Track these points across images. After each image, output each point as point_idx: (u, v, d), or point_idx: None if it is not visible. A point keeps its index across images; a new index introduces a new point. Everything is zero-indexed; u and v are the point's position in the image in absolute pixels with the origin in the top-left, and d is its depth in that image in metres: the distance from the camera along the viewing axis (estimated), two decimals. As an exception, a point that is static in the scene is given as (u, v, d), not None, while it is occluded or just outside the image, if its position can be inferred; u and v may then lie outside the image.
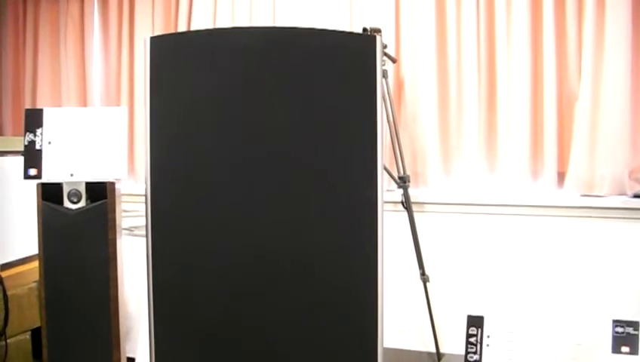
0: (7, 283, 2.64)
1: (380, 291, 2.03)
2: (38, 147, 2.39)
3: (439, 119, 3.27)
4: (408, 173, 3.16)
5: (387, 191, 3.26)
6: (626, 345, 2.46)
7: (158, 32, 3.74)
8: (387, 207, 3.13)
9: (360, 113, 2.01)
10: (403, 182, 3.10)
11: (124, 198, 2.62)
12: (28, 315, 2.78)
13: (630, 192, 2.97)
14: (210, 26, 3.63)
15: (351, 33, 2.11)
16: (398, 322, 3.34)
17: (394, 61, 3.22)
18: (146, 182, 2.04)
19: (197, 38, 2.07)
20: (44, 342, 2.39)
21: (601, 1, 2.95)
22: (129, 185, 3.76)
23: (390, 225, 3.25)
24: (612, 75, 2.94)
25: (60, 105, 4.01)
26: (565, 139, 3.09)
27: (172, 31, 3.74)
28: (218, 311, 2.04)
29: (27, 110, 2.45)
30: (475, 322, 2.59)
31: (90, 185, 2.41)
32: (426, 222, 3.29)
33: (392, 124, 3.10)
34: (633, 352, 2.43)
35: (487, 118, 3.22)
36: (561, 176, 3.09)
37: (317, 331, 2.04)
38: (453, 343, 3.21)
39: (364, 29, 2.99)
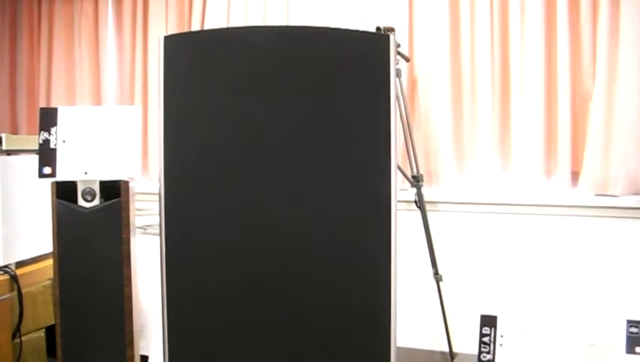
0: (21, 281, 2.65)
1: (393, 290, 2.02)
2: (52, 146, 2.40)
3: (453, 118, 3.27)
4: (422, 172, 3.15)
5: (400, 190, 3.25)
6: (640, 346, 2.44)
7: (171, 32, 3.75)
8: (400, 206, 3.13)
9: (373, 112, 2.01)
10: (416, 181, 3.09)
11: (137, 197, 2.63)
12: (42, 313, 2.80)
13: (645, 192, 2.96)
14: (224, 25, 3.63)
15: (364, 32, 2.10)
16: (412, 321, 3.34)
17: (407, 60, 3.22)
18: (159, 181, 2.05)
19: (210, 37, 2.07)
20: (59, 339, 2.40)
21: (616, 1, 2.93)
22: (143, 184, 3.78)
23: (403, 224, 3.24)
24: (626, 74, 2.92)
25: (74, 104, 4.04)
26: (579, 138, 3.08)
27: (186, 30, 3.75)
28: (231, 309, 2.05)
29: (42, 109, 2.46)
30: (489, 322, 2.59)
31: (104, 184, 2.41)
32: (439, 221, 3.29)
33: (406, 122, 3.10)
34: (648, 353, 2.42)
35: (500, 117, 3.21)
36: (575, 176, 3.08)
37: (330, 329, 2.04)
38: (467, 343, 3.21)
39: (378, 28, 2.99)
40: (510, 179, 3.22)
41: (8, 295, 2.60)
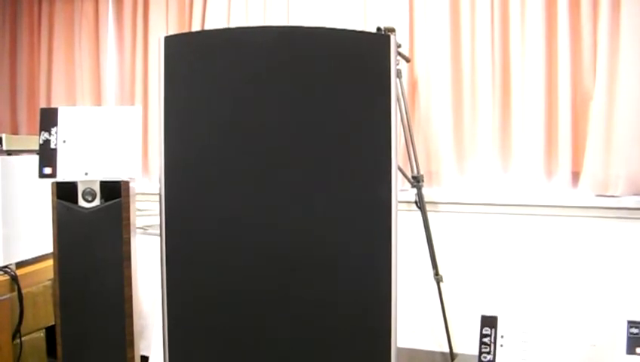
0: (22, 282, 2.65)
1: (393, 291, 2.02)
2: (53, 146, 2.40)
3: (453, 118, 3.26)
4: (422, 172, 3.15)
5: (401, 190, 3.25)
6: (641, 346, 2.44)
7: (172, 32, 3.75)
8: (401, 206, 3.12)
9: (374, 112, 2.00)
10: (417, 181, 3.09)
11: (138, 197, 2.63)
12: (42, 313, 2.80)
13: (646, 192, 2.95)
14: (224, 25, 3.63)
15: (365, 32, 2.10)
16: (412, 322, 3.34)
17: (408, 60, 3.22)
18: (160, 181, 2.05)
19: (211, 37, 2.06)
20: (59, 340, 2.40)
21: (617, 0, 2.93)
22: (143, 184, 3.78)
23: (404, 224, 3.24)
24: (627, 73, 2.91)
25: (74, 105, 4.04)
26: (580, 138, 3.07)
27: (186, 30, 3.75)
28: (232, 310, 2.04)
29: (42, 109, 2.46)
30: (489, 322, 2.58)
31: (104, 184, 2.41)
32: (440, 221, 3.29)
33: (406, 123, 3.10)
34: (648, 353, 2.42)
35: (501, 117, 3.21)
36: (575, 176, 3.08)
37: (330, 330, 2.03)
38: (467, 343, 3.21)
39: (378, 29, 2.99)
40: (511, 179, 3.22)
41: (8, 295, 2.60)
